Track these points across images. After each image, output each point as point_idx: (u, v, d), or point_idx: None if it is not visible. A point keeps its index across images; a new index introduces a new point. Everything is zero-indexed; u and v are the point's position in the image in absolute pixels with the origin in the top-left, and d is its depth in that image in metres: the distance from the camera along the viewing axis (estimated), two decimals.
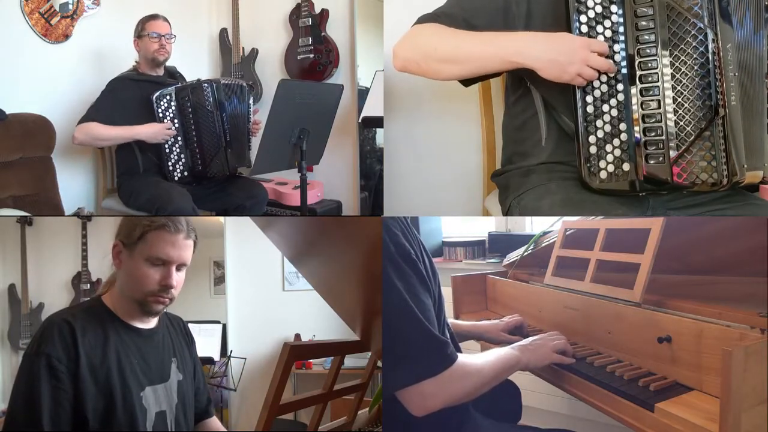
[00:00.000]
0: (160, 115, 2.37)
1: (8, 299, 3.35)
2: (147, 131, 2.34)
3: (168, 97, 2.38)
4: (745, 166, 1.34)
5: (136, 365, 1.15)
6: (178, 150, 2.43)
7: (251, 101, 2.63)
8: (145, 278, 1.14)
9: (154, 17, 2.41)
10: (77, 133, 2.29)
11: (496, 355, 1.21)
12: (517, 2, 1.47)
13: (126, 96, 2.36)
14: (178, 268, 1.17)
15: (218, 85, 2.48)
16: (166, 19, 2.43)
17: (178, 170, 2.43)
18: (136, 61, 2.47)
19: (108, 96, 2.35)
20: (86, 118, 2.31)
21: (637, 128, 1.35)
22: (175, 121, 2.40)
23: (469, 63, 1.45)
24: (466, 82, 1.59)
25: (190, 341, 1.35)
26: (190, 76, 2.59)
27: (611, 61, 1.35)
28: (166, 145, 2.40)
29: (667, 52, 1.33)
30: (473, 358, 1.15)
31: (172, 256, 1.15)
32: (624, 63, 1.36)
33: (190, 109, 2.42)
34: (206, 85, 2.45)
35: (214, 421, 1.40)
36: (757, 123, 1.37)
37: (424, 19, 1.52)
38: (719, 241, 1.44)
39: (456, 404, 1.09)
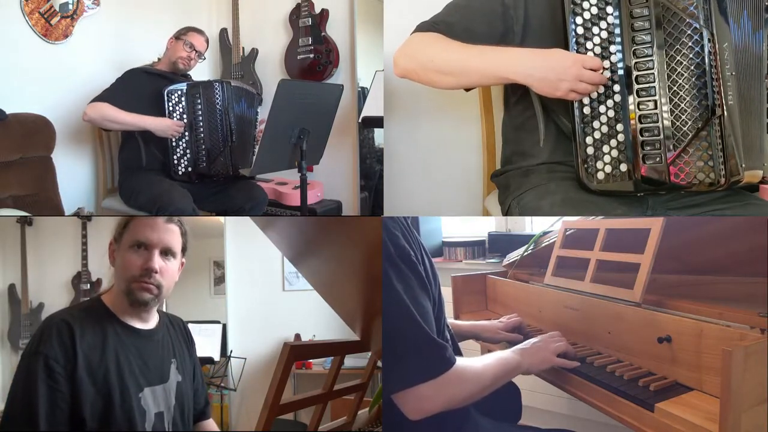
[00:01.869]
0: (170, 109, 2.39)
1: (8, 299, 3.35)
2: (157, 124, 2.35)
3: (179, 93, 2.41)
4: (744, 165, 1.34)
5: (135, 366, 1.15)
6: (184, 145, 2.44)
7: (259, 110, 2.65)
8: (128, 264, 1.15)
9: (200, 32, 2.47)
10: (89, 110, 2.30)
11: (496, 358, 1.20)
12: (514, 6, 1.47)
13: (138, 87, 2.38)
14: (165, 255, 1.17)
15: (229, 86, 2.51)
16: (207, 41, 2.49)
17: (182, 166, 2.44)
18: (158, 58, 2.48)
19: (122, 84, 2.37)
20: (99, 98, 2.32)
21: (634, 129, 1.35)
22: (184, 117, 2.42)
23: (464, 76, 1.48)
24: (467, 88, 1.60)
25: (189, 342, 1.35)
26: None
27: (604, 75, 1.36)
28: (173, 141, 2.42)
29: (663, 53, 1.33)
30: (473, 362, 1.14)
31: (152, 239, 1.15)
32: (620, 64, 1.36)
33: (199, 106, 2.44)
34: (217, 84, 2.48)
35: (211, 423, 1.39)
36: (756, 123, 1.37)
37: (423, 27, 1.53)
38: (719, 241, 1.43)
39: (454, 408, 1.08)
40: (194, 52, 2.44)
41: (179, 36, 2.44)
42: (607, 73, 1.37)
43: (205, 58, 2.49)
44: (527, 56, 1.39)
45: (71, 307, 1.18)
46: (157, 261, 1.16)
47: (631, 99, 1.35)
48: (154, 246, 1.16)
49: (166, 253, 1.18)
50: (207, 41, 2.48)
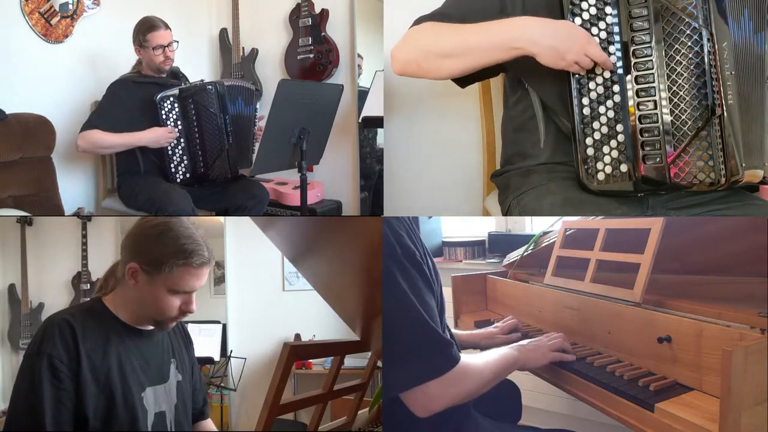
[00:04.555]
0: (164, 116, 2.35)
1: (8, 299, 3.35)
2: (149, 137, 2.32)
3: (171, 99, 2.37)
4: (744, 165, 1.34)
5: (136, 365, 1.16)
6: (180, 152, 2.42)
7: (258, 105, 2.62)
8: (167, 306, 1.15)
9: (154, 27, 2.34)
10: (80, 141, 2.28)
11: (495, 354, 1.22)
12: (512, 4, 1.47)
13: (128, 99, 2.34)
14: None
15: (222, 86, 2.47)
16: (167, 26, 2.38)
17: (180, 172, 2.43)
18: (139, 61, 2.45)
19: (110, 100, 2.33)
20: (88, 125, 2.29)
21: (633, 129, 1.35)
22: (179, 123, 2.39)
23: (469, 55, 1.42)
24: (464, 83, 1.58)
25: (188, 342, 1.36)
26: (190, 77, 2.58)
27: (609, 58, 1.35)
28: (169, 148, 2.39)
29: (663, 53, 1.33)
30: (474, 359, 1.16)
31: (196, 287, 1.17)
32: (620, 64, 1.36)
33: (193, 111, 2.41)
34: (210, 86, 2.43)
35: (209, 424, 1.40)
36: (757, 122, 1.37)
37: (420, 20, 1.52)
38: (719, 241, 1.44)
39: (458, 404, 1.09)
40: (166, 48, 2.36)
41: (143, 44, 2.35)
42: (607, 74, 1.37)
43: (177, 42, 2.41)
44: (533, 23, 1.36)
45: (71, 308, 1.18)
46: (195, 302, 1.18)
47: (630, 99, 1.35)
48: (194, 290, 1.17)
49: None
50: (166, 26, 2.37)
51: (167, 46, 2.37)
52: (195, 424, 1.36)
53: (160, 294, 1.14)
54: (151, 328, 1.22)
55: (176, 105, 2.38)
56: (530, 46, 1.34)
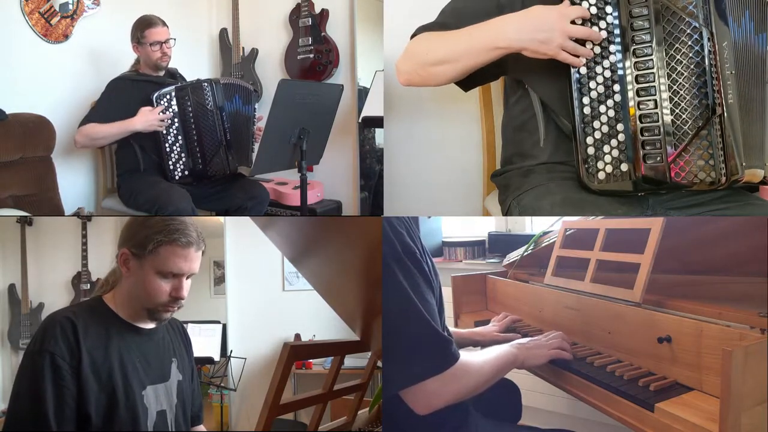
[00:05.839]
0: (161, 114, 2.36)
1: (8, 299, 3.35)
2: (142, 121, 2.31)
3: (168, 97, 2.38)
4: (744, 165, 1.34)
5: (137, 364, 1.16)
6: (178, 149, 2.43)
7: (257, 105, 2.62)
8: (156, 291, 1.14)
9: (152, 24, 2.37)
10: (77, 137, 2.30)
11: (494, 352, 1.23)
12: (511, 6, 1.47)
13: (126, 96, 2.35)
14: (187, 277, 1.18)
15: (218, 84, 2.48)
16: (164, 23, 2.40)
17: (179, 170, 2.43)
18: (137, 60, 2.46)
19: (108, 97, 2.35)
20: (86, 120, 2.31)
21: (634, 128, 1.35)
22: (176, 120, 2.40)
23: (460, 60, 1.45)
24: (466, 86, 1.59)
25: (187, 343, 1.36)
26: (190, 76, 2.59)
27: (594, 29, 1.34)
28: (167, 145, 2.40)
29: (663, 52, 1.33)
30: (474, 356, 1.16)
31: (184, 270, 1.16)
32: (620, 64, 1.36)
33: (189, 109, 2.42)
34: (206, 84, 2.45)
35: (202, 428, 1.40)
36: (757, 122, 1.37)
37: (419, 31, 1.54)
38: (719, 241, 1.43)
39: (458, 402, 1.09)
40: (163, 45, 2.37)
41: (140, 41, 2.37)
42: (608, 73, 1.37)
43: (175, 39, 2.42)
44: (511, 21, 1.37)
45: (72, 306, 1.18)
46: (186, 288, 1.17)
47: (631, 100, 1.35)
48: (184, 274, 1.16)
49: (189, 275, 1.18)
50: (163, 23, 2.39)
51: (164, 42, 2.39)
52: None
53: (148, 277, 1.14)
54: (152, 326, 1.22)
55: (173, 103, 2.39)
56: (512, 44, 1.36)
